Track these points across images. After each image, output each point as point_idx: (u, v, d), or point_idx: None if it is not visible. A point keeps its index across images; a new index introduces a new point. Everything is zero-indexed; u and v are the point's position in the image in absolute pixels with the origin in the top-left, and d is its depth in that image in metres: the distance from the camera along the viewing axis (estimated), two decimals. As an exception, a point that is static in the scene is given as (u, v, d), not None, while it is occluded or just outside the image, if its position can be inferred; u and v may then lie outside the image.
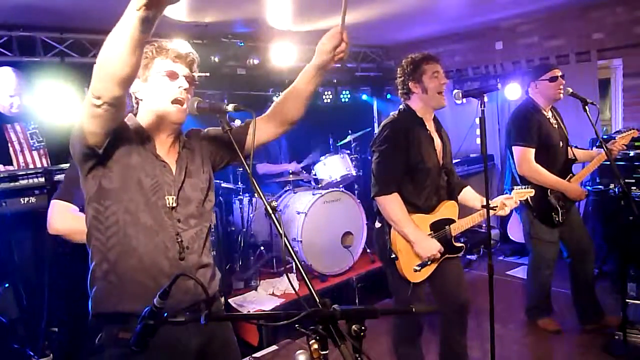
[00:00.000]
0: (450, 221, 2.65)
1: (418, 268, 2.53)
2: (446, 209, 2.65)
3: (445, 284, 2.67)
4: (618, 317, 3.28)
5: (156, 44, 1.60)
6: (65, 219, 1.93)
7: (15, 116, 3.29)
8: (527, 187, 2.76)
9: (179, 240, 1.59)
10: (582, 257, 3.44)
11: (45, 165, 3.34)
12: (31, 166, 3.25)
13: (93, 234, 1.57)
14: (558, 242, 3.43)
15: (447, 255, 2.63)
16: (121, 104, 1.39)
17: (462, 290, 2.67)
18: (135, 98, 1.63)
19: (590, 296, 3.47)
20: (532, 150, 3.23)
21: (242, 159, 1.54)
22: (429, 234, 2.58)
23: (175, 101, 1.58)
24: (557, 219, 3.31)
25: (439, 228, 2.60)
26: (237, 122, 1.60)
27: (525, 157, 3.24)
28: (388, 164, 2.52)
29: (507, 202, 2.63)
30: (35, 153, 3.32)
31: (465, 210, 2.72)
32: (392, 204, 2.49)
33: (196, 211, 1.66)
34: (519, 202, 2.68)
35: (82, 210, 1.91)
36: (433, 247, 2.50)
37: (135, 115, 1.65)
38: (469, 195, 2.78)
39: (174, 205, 1.59)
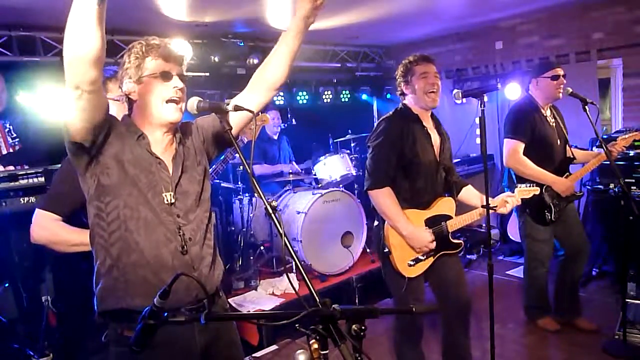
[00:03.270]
0: (447, 217, 2.64)
1: (412, 263, 2.53)
2: (442, 205, 2.65)
3: (445, 283, 2.66)
4: (590, 322, 3.46)
5: (144, 42, 1.57)
6: (46, 229, 1.92)
7: None
8: (532, 185, 2.75)
9: (181, 233, 1.59)
10: (575, 256, 3.47)
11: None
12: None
13: (96, 232, 1.57)
14: (552, 240, 3.44)
15: (444, 252, 2.62)
16: (100, 88, 1.39)
17: (462, 289, 2.66)
18: (129, 99, 1.62)
19: (572, 294, 3.54)
20: (521, 144, 3.26)
21: (239, 151, 1.51)
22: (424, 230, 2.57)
23: (171, 101, 1.57)
24: (549, 217, 3.32)
25: (434, 224, 2.60)
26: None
27: (512, 150, 3.28)
28: (381, 158, 2.54)
29: (509, 199, 2.63)
30: (11, 150, 3.39)
31: (465, 210, 2.70)
32: (384, 198, 2.50)
33: (195, 204, 1.66)
34: (520, 200, 2.67)
35: (65, 220, 1.93)
36: (425, 238, 2.50)
37: (129, 116, 1.64)
38: (470, 193, 2.77)
39: (172, 201, 1.59)
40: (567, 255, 3.49)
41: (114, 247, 1.54)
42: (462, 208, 2.73)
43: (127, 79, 1.58)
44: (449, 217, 2.65)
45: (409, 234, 2.49)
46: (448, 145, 2.74)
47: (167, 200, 1.58)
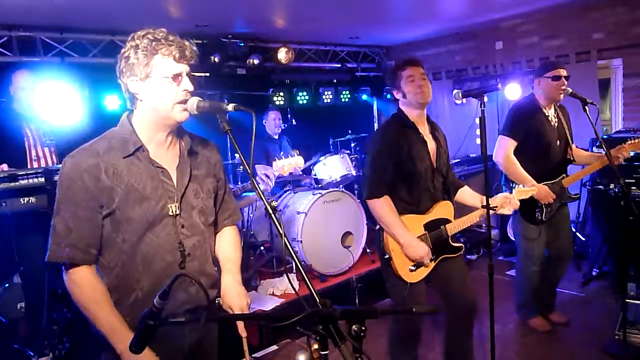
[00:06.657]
0: (446, 221, 2.64)
1: (413, 268, 2.53)
2: (441, 209, 2.65)
3: (450, 285, 2.65)
4: (562, 315, 3.62)
5: (151, 36, 1.47)
6: None
7: (33, 117, 3.45)
8: (530, 186, 2.74)
9: (181, 249, 1.57)
10: (558, 262, 3.51)
11: (55, 161, 3.45)
12: (42, 160, 3.41)
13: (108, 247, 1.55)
14: (542, 240, 3.42)
15: (445, 256, 2.62)
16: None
17: (467, 291, 2.65)
18: (135, 98, 1.54)
19: (549, 293, 3.63)
20: (512, 143, 3.30)
21: (239, 151, 1.51)
22: (423, 234, 2.57)
23: (180, 102, 1.52)
24: (539, 216, 3.31)
25: (433, 228, 2.60)
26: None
27: (503, 146, 3.33)
28: (378, 167, 2.54)
29: (507, 201, 2.63)
30: (46, 149, 3.47)
31: (464, 210, 2.70)
32: (382, 207, 2.50)
33: (199, 219, 1.64)
34: (519, 202, 2.66)
35: None
36: (421, 251, 2.48)
37: (132, 112, 1.58)
38: (467, 194, 2.77)
39: (177, 212, 1.57)
40: (551, 257, 3.50)
41: (113, 280, 1.55)
42: (461, 209, 2.73)
43: (133, 77, 1.49)
44: (448, 221, 2.65)
45: (405, 243, 2.48)
46: (444, 149, 2.73)
47: (172, 212, 1.56)
